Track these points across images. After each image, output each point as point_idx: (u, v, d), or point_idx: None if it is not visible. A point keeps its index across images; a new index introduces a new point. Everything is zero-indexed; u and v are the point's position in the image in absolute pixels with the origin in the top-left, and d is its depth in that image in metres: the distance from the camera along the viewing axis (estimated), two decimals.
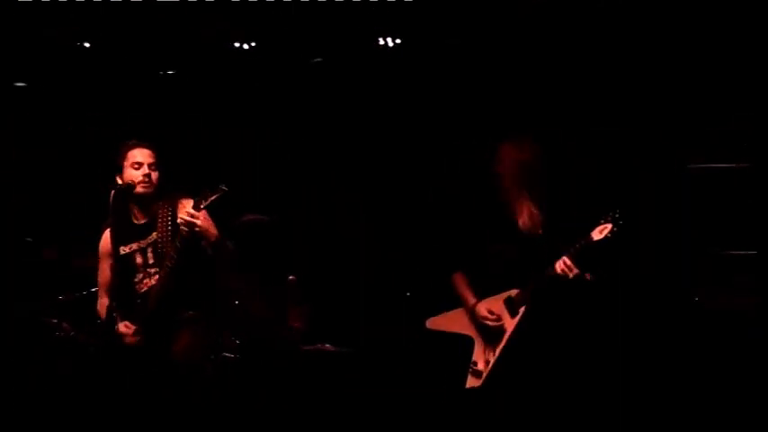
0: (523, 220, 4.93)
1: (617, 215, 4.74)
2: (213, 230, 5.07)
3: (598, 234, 4.74)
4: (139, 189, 5.12)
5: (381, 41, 6.70)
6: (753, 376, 5.56)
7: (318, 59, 7.06)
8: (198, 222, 4.93)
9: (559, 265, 4.76)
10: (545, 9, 6.16)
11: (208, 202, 4.94)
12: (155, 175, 5.17)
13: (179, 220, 4.99)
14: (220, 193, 4.93)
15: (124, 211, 5.18)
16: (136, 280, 5.21)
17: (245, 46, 6.89)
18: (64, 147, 7.31)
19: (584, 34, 6.29)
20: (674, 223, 6.09)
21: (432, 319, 5.22)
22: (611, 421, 5.76)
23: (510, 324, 4.91)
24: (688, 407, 5.66)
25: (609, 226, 4.73)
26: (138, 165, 5.15)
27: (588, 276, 4.81)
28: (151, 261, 5.19)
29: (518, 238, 4.94)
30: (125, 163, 5.17)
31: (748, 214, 5.85)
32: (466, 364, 4.98)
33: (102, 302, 5.32)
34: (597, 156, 6.37)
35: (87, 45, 6.92)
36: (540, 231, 4.92)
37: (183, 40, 6.89)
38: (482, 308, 4.97)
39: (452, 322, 5.12)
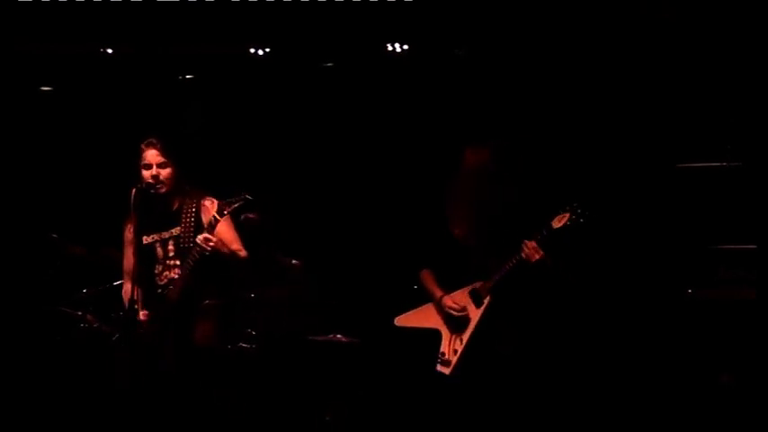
0: (462, 229, 5.12)
1: (575, 205, 4.89)
2: (227, 247, 5.25)
3: (557, 223, 4.89)
4: (151, 190, 5.28)
5: (390, 47, 6.91)
6: (744, 367, 5.69)
7: (329, 64, 7.26)
8: (211, 245, 5.10)
9: (525, 249, 4.91)
10: (542, 14, 6.34)
11: (231, 209, 5.11)
12: (164, 173, 5.31)
13: (198, 239, 5.13)
14: (243, 202, 5.11)
15: (146, 205, 5.31)
16: (156, 271, 5.35)
17: (261, 52, 7.12)
18: (90, 146, 7.46)
19: (579, 36, 6.43)
20: (666, 220, 6.18)
21: (399, 317, 5.37)
22: (604, 411, 5.96)
23: (475, 314, 5.07)
24: (680, 396, 5.83)
25: (567, 215, 4.87)
26: (147, 166, 5.31)
27: (549, 262, 4.95)
28: (171, 254, 5.33)
29: (458, 244, 5.13)
30: (139, 163, 5.34)
31: (738, 211, 5.93)
32: (434, 357, 5.13)
33: (127, 288, 5.43)
34: (588, 155, 6.48)
35: (110, 51, 7.17)
36: (477, 240, 5.07)
37: (203, 47, 7.10)
38: (448, 300, 5.14)
39: (420, 318, 5.28)
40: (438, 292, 5.21)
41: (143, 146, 5.36)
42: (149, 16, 6.61)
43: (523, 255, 4.93)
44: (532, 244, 4.91)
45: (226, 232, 5.32)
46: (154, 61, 7.29)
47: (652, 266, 6.22)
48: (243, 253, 5.38)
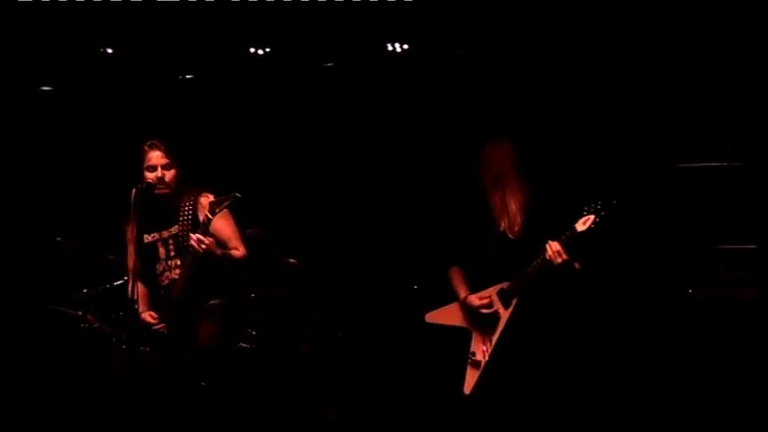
0: (505, 222, 5.03)
1: (599, 206, 4.82)
2: (221, 248, 5.22)
3: (582, 225, 4.83)
4: (155, 191, 5.29)
5: (390, 47, 6.92)
6: (745, 366, 5.69)
7: (329, 64, 7.28)
8: (203, 247, 5.10)
9: (549, 251, 4.84)
10: (542, 14, 6.36)
11: (222, 207, 5.11)
12: (169, 175, 5.32)
13: (191, 240, 5.14)
14: (233, 200, 5.12)
15: (146, 205, 5.31)
16: (158, 271, 5.36)
17: (261, 52, 7.13)
18: (90, 146, 7.46)
19: (579, 36, 6.43)
20: (666, 220, 6.18)
21: (430, 313, 5.29)
22: (606, 411, 5.92)
23: (504, 314, 4.99)
24: (681, 396, 5.80)
25: (592, 217, 4.81)
26: (152, 168, 5.31)
27: (577, 265, 4.89)
28: (172, 253, 5.34)
29: (500, 240, 5.03)
30: (143, 165, 5.34)
31: (738, 211, 5.93)
32: (465, 356, 5.08)
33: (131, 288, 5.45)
34: (588, 155, 6.47)
35: (110, 51, 7.18)
36: (519, 234, 5.01)
37: (203, 47, 7.11)
38: (475, 299, 5.06)
39: (450, 315, 5.19)
40: (463, 292, 5.13)
41: (146, 147, 5.36)
42: (149, 16, 6.61)
43: (548, 256, 4.86)
44: (556, 246, 4.85)
45: (223, 229, 5.33)
46: (154, 61, 7.29)
47: (652, 266, 6.21)
48: (239, 252, 5.36)
